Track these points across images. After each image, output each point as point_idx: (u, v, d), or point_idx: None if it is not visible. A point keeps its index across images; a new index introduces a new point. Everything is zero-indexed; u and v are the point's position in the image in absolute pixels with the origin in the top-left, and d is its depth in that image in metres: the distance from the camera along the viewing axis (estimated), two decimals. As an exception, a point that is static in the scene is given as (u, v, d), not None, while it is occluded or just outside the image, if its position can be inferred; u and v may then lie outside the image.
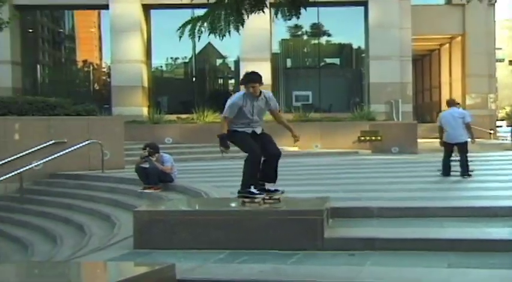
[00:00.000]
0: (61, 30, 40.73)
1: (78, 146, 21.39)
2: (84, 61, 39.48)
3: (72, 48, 40.53)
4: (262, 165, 11.45)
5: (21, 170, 20.49)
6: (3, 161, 20.69)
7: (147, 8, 34.20)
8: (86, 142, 21.53)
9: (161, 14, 34.85)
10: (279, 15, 13.25)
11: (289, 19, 13.48)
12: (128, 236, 11.74)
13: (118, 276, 8.18)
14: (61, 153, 21.17)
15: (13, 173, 20.44)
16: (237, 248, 9.91)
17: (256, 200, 11.22)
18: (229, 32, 12.65)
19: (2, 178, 20.32)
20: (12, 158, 20.82)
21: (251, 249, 9.86)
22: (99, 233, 14.89)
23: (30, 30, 37.03)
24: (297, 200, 12.94)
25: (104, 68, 38.11)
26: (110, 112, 31.87)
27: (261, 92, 11.44)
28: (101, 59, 39.14)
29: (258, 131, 11.63)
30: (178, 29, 13.10)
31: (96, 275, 8.62)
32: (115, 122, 25.39)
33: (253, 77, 11.41)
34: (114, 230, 14.22)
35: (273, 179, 11.55)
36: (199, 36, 12.68)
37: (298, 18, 13.31)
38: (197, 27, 12.23)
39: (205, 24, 12.09)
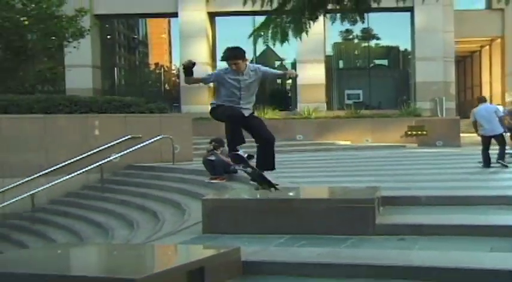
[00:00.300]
0: (135, 36, 41.01)
1: (151, 140, 21.57)
2: (156, 64, 39.70)
3: (145, 53, 40.79)
4: (257, 152, 10.33)
5: (102, 162, 20.82)
6: (86, 154, 20.95)
7: (212, 16, 34.27)
8: (158, 137, 21.69)
9: (225, 20, 34.91)
10: (340, 20, 13.24)
11: (355, 23, 13.53)
12: (197, 221, 11.75)
13: (188, 258, 8.20)
14: (136, 147, 21.37)
15: (94, 165, 20.79)
16: (296, 233, 9.87)
17: (248, 170, 10.34)
18: (287, 40, 12.53)
19: (84, 170, 20.63)
20: (93, 151, 21.07)
21: (309, 234, 9.80)
22: (171, 219, 14.97)
23: (108, 37, 37.36)
24: (350, 190, 12.84)
25: (174, 70, 38.28)
26: (179, 110, 32.03)
27: (246, 66, 9.77)
28: (170, 62, 39.32)
29: (247, 112, 10.04)
30: (250, 36, 12.97)
31: (169, 256, 8.65)
32: (184, 119, 25.54)
33: (234, 53, 9.77)
34: (185, 217, 14.28)
35: (270, 166, 10.45)
36: (267, 43, 12.48)
37: (362, 22, 13.45)
38: (266, 34, 12.09)
39: (269, 32, 11.97)
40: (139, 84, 37.28)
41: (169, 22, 37.98)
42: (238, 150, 10.06)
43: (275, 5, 11.55)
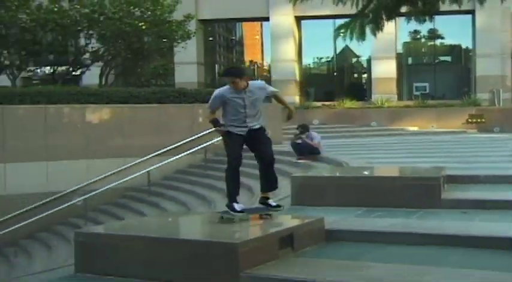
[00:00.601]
0: (233, 37, 41.21)
1: (246, 126, 21.62)
2: (250, 61, 39.86)
3: (240, 51, 40.97)
4: (259, 173, 8.91)
5: (205, 144, 20.92)
6: (192, 138, 21.17)
7: (298, 19, 34.16)
8: (252, 123, 21.72)
9: (309, 23, 34.80)
10: (414, 20, 13.12)
11: (423, 22, 13.39)
12: (286, 195, 11.80)
13: (280, 226, 8.26)
14: (235, 132, 21.45)
15: (199, 147, 20.96)
16: (371, 206, 9.82)
17: (234, 220, 8.36)
18: (364, 38, 12.45)
19: (191, 151, 20.87)
20: (198, 135, 21.25)
21: (382, 207, 9.75)
22: (264, 193, 15.04)
23: (210, 39, 37.59)
24: (419, 169, 12.79)
25: (265, 66, 38.30)
26: (269, 100, 32.09)
27: (248, 84, 8.33)
28: (262, 59, 39.37)
29: (256, 126, 8.47)
30: (335, 31, 12.82)
31: (263, 225, 8.72)
32: (274, 107, 25.41)
33: (231, 72, 8.60)
34: (276, 191, 14.34)
35: (268, 187, 8.82)
36: (344, 39, 12.29)
37: (430, 21, 13.25)
38: (345, 33, 12.00)
39: (348, 31, 11.90)
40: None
41: (261, 25, 37.99)
42: (235, 207, 8.38)
43: (359, 6, 11.51)
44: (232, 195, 8.39)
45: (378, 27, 11.50)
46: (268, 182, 8.75)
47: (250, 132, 8.42)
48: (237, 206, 8.29)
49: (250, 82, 8.37)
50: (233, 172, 8.44)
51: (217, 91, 8.46)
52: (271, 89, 8.82)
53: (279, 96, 9.01)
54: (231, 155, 8.34)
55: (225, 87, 8.38)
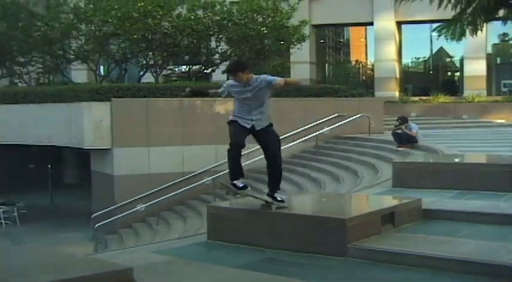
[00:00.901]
0: (341, 40, 40.89)
1: (352, 117, 21.48)
2: (356, 61, 39.42)
3: (347, 52, 40.62)
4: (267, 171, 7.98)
5: (316, 133, 21.05)
6: (305, 127, 21.21)
7: (399, 23, 33.50)
8: (358, 115, 21.55)
9: (409, 27, 34.08)
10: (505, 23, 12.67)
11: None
12: (388, 178, 11.68)
13: (382, 205, 8.22)
14: (341, 122, 21.32)
15: (310, 136, 21.00)
16: (463, 189, 9.65)
17: (236, 195, 7.97)
18: (461, 39, 12.05)
19: (304, 138, 20.93)
20: (310, 125, 21.29)
21: (473, 190, 9.56)
22: (367, 177, 14.94)
23: (321, 41, 37.44)
24: (505, 156, 12.50)
25: (369, 65, 37.77)
26: (373, 95, 31.61)
27: (251, 77, 7.62)
28: (366, 59, 38.80)
29: (258, 125, 7.69)
30: (437, 31, 12.43)
31: (367, 203, 8.69)
32: (377, 101, 25.43)
33: (230, 67, 8.17)
34: (378, 175, 14.22)
35: (272, 185, 7.84)
36: (447, 39, 11.89)
37: None
38: (447, 33, 11.63)
39: (449, 31, 11.52)
40: (343, 76, 37.13)
41: (365, 29, 37.48)
42: (236, 183, 7.63)
43: (457, 10, 11.17)
44: (233, 174, 7.62)
45: (476, 28, 11.11)
46: (271, 182, 7.84)
47: (257, 131, 7.70)
48: (238, 183, 7.60)
49: (254, 76, 7.66)
50: (233, 155, 7.54)
51: (227, 81, 8.02)
52: (268, 78, 7.63)
53: (275, 80, 7.59)
54: (232, 140, 7.52)
55: (230, 80, 7.91)
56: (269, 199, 7.69)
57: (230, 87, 7.80)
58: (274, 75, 7.94)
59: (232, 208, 8.29)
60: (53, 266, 6.12)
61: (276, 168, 7.81)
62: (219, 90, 8.03)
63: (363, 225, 6.98)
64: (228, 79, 8.36)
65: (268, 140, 7.78)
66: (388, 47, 33.10)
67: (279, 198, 7.71)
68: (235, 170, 7.61)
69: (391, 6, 28.84)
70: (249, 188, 7.78)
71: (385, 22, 32.76)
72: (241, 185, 7.59)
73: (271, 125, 7.89)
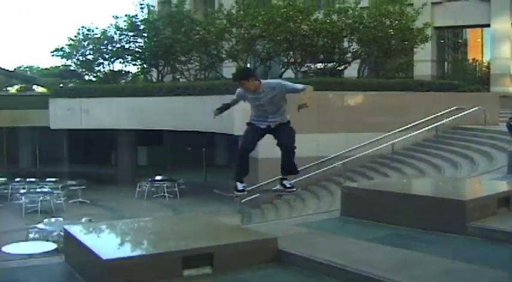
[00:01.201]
0: (459, 40, 39.27)
1: (470, 110, 20.65)
2: (473, 59, 37.69)
3: (465, 52, 38.91)
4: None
5: (436, 124, 20.52)
6: (426, 118, 20.65)
7: (514, 25, 31.92)
8: (475, 108, 20.67)
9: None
10: None
11: None
12: (502, 165, 11.19)
13: (498, 189, 7.89)
14: (460, 114, 20.59)
15: (431, 126, 20.50)
16: None
17: (234, 197, 7.65)
18: None
19: (425, 129, 20.42)
20: (431, 116, 20.70)
21: None
22: (483, 164, 14.37)
23: (441, 41, 36.20)
24: None
25: (485, 63, 36.03)
26: (488, 90, 30.20)
27: (260, 84, 6.82)
28: (482, 58, 37.02)
29: (273, 124, 7.01)
30: None
31: (485, 187, 8.39)
32: (492, 96, 24.44)
33: (234, 75, 7.30)
34: (493, 162, 13.64)
35: (287, 171, 7.34)
36: None
37: None
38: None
39: None
40: (461, 73, 35.68)
41: (482, 30, 35.84)
42: (237, 185, 7.17)
43: None
44: (237, 175, 7.15)
45: None
46: (284, 168, 7.25)
47: (271, 128, 7.06)
48: (239, 185, 7.12)
49: (264, 82, 6.87)
50: (242, 154, 7.07)
51: (238, 89, 7.18)
52: (290, 86, 6.89)
53: (293, 87, 6.90)
54: (244, 140, 7.11)
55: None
56: (282, 193, 7.50)
57: (242, 93, 7.10)
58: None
59: (363, 189, 8.27)
60: (214, 232, 6.41)
61: (288, 160, 7.15)
62: (232, 100, 7.48)
63: (481, 207, 6.77)
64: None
65: (283, 129, 7.08)
66: (503, 46, 31.77)
67: (288, 185, 7.38)
68: (240, 171, 7.15)
69: (508, 9, 27.47)
70: (246, 192, 7.22)
71: (501, 24, 31.41)
72: (240, 188, 7.14)
73: (288, 122, 7.18)
